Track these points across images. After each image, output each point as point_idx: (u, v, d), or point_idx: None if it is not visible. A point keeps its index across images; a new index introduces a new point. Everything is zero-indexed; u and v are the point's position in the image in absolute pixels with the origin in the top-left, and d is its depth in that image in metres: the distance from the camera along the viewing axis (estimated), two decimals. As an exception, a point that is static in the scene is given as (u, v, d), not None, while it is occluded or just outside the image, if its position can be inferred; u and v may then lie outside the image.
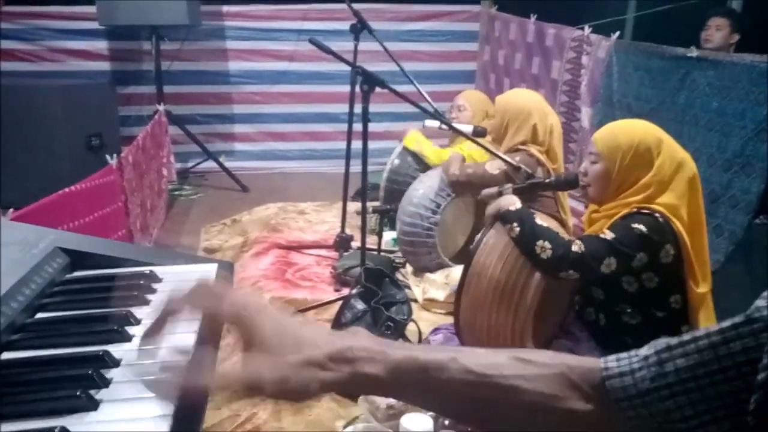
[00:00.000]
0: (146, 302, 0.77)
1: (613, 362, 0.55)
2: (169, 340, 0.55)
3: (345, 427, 1.80)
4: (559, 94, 3.87)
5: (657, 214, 1.77)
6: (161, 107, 4.29)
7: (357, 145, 2.73)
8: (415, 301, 2.69)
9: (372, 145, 2.73)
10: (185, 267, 0.91)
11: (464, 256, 2.06)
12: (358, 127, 2.71)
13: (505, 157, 2.37)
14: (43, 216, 1.89)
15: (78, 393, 0.56)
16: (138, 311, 0.73)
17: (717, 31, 3.54)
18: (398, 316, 2.22)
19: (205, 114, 5.06)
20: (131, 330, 0.70)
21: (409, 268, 2.99)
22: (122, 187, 2.75)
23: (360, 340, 0.56)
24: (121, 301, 0.75)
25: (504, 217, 1.86)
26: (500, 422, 0.56)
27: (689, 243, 1.77)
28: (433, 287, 2.73)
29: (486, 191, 2.04)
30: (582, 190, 1.96)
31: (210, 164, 4.72)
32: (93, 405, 0.57)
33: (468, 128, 2.56)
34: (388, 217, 3.19)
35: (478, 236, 1.93)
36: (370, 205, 2.95)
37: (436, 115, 2.61)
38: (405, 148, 3.28)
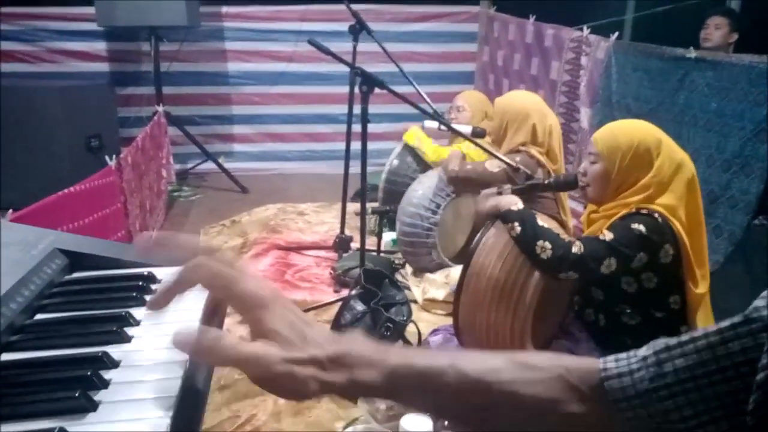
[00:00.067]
0: (145, 303, 0.77)
1: (611, 363, 0.55)
2: (173, 317, 0.55)
3: (344, 428, 1.81)
4: (558, 94, 3.87)
5: (656, 215, 1.76)
6: (160, 108, 4.29)
7: (356, 146, 2.73)
8: (415, 302, 2.70)
9: (371, 146, 2.73)
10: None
11: (464, 256, 2.06)
12: (357, 128, 2.71)
13: (503, 157, 2.37)
14: (42, 217, 1.89)
15: (77, 394, 0.56)
16: (137, 312, 0.73)
17: (716, 30, 3.55)
18: (398, 317, 2.22)
19: (204, 115, 5.07)
20: (130, 331, 0.70)
21: (408, 269, 2.99)
22: (121, 188, 2.75)
23: (358, 345, 0.55)
24: (120, 302, 0.75)
25: (505, 217, 1.86)
26: (499, 425, 0.56)
27: (688, 243, 1.77)
28: (432, 287, 2.73)
29: (486, 192, 2.04)
30: (581, 190, 1.96)
31: (209, 165, 4.72)
32: (92, 406, 0.57)
33: (467, 129, 2.56)
34: (387, 218, 3.20)
35: (478, 236, 1.93)
36: (369, 206, 2.95)
37: (435, 115, 2.61)
38: (404, 147, 3.29)
